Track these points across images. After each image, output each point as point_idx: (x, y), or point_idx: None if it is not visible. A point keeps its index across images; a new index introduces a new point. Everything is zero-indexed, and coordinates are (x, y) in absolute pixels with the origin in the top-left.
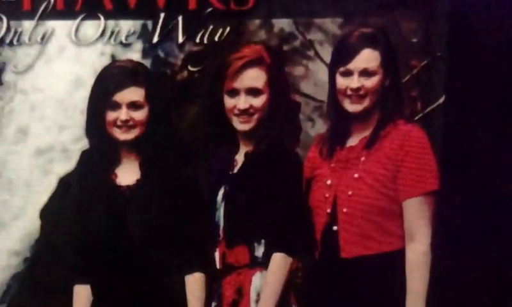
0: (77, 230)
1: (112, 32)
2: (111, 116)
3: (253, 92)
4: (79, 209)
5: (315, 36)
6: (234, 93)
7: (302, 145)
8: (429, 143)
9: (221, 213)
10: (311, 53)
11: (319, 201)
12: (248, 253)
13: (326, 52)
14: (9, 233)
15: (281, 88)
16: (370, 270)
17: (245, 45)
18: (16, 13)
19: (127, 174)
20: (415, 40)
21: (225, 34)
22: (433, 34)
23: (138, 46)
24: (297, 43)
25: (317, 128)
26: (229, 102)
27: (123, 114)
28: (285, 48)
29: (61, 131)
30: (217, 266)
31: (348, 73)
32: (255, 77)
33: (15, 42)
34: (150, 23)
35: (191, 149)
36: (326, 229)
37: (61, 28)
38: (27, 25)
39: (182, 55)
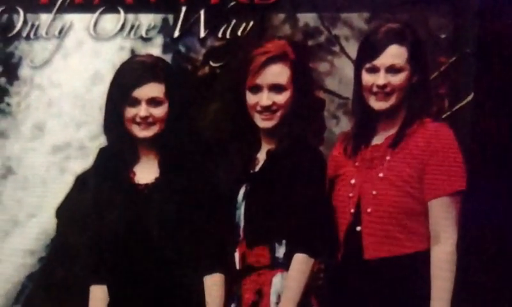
0: (94, 229)
1: (132, 26)
2: (130, 112)
3: (276, 88)
4: (96, 208)
5: (340, 31)
6: (257, 89)
7: (326, 143)
8: (456, 142)
9: (241, 212)
10: (336, 49)
11: (342, 200)
12: (268, 254)
13: (352, 48)
14: (25, 231)
15: (305, 85)
16: (394, 272)
17: (268, 40)
18: (33, 5)
19: (146, 172)
20: (443, 36)
21: (248, 28)
22: (462, 30)
23: (159, 40)
24: (322, 38)
25: (341, 126)
26: (251, 98)
27: (142, 110)
28: (310, 43)
29: (79, 128)
30: (237, 266)
31: (374, 70)
32: (278, 73)
33: (31, 36)
34: (171, 17)
35: (211, 147)
36: (349, 230)
37: (79, 22)
38: (45, 18)
39: (203, 51)
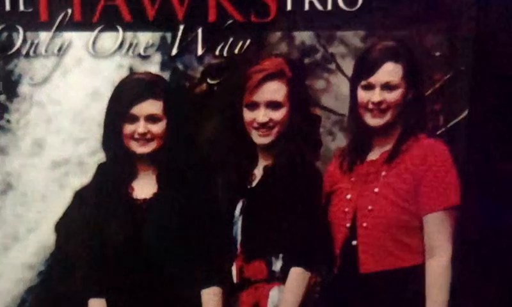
0: (92, 244)
1: (130, 44)
2: (128, 128)
3: (273, 105)
4: (95, 222)
5: (336, 49)
6: (254, 106)
7: (322, 159)
8: (451, 158)
9: (238, 227)
10: (332, 66)
11: (338, 215)
12: (265, 268)
13: (348, 66)
14: (24, 246)
15: (301, 102)
16: (389, 286)
17: (265, 57)
18: (32, 24)
19: (144, 187)
20: (438, 54)
21: (245, 46)
22: (457, 48)
23: (157, 58)
24: (318, 56)
25: (337, 142)
26: (248, 115)
27: (140, 127)
28: (306, 61)
29: (78, 144)
30: (234, 280)
31: (370, 87)
32: (275, 90)
33: (31, 53)
34: (169, 36)
35: (209, 163)
36: (345, 244)
37: (78, 40)
38: (44, 36)
39: (201, 68)
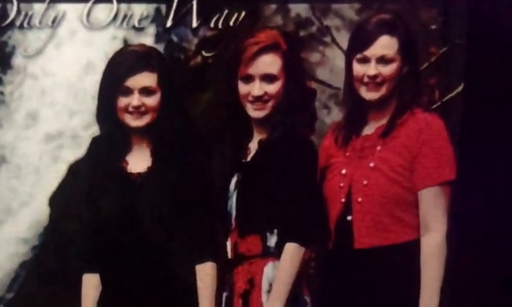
0: (86, 218)
1: (124, 16)
2: (122, 101)
3: (268, 78)
4: (89, 196)
5: (332, 21)
6: (249, 79)
7: (317, 133)
8: (446, 132)
9: (233, 201)
10: (328, 39)
11: (333, 190)
12: (260, 243)
13: (343, 39)
14: (18, 220)
15: (296, 75)
16: (384, 261)
17: (260, 30)
18: None
19: (138, 161)
20: (433, 27)
21: (240, 19)
22: (452, 22)
23: (151, 30)
24: (313, 28)
25: (332, 116)
26: (243, 88)
27: (135, 99)
28: (302, 34)
29: (72, 117)
30: (229, 256)
31: (365, 60)
32: (270, 63)
33: (25, 25)
34: (163, 7)
35: (203, 137)
36: (340, 219)
37: (72, 11)
38: (38, 8)
39: (195, 40)
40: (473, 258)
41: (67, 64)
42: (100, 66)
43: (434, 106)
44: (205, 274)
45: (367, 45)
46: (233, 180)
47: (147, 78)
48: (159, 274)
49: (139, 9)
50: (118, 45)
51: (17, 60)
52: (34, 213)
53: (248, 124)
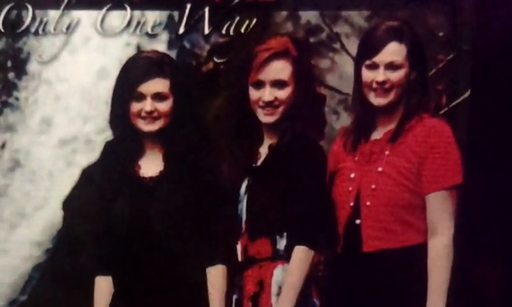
0: (99, 221)
1: (138, 23)
2: (135, 107)
3: (278, 84)
4: (102, 200)
5: (341, 28)
6: (259, 84)
7: (326, 138)
8: (453, 137)
9: (243, 205)
10: (337, 46)
11: (342, 194)
12: (269, 246)
13: (352, 45)
14: (32, 223)
15: (306, 81)
16: (392, 264)
17: (271, 36)
18: (41, 2)
19: (151, 165)
20: (441, 34)
21: (251, 25)
22: (460, 28)
23: (164, 37)
24: (323, 35)
25: (341, 121)
26: (254, 93)
27: (147, 105)
28: (312, 40)
29: (85, 122)
30: (239, 258)
31: (374, 67)
32: (280, 69)
33: (40, 32)
34: (176, 14)
35: (215, 141)
36: (348, 223)
37: (86, 18)
38: (53, 14)
39: (207, 47)
40: (478, 261)
41: (81, 70)
42: (114, 72)
43: (442, 111)
44: (216, 276)
45: (376, 52)
46: (244, 184)
47: (160, 84)
48: (170, 276)
49: (152, 16)
50: (131, 52)
51: (32, 66)
52: (48, 216)
53: (258, 129)
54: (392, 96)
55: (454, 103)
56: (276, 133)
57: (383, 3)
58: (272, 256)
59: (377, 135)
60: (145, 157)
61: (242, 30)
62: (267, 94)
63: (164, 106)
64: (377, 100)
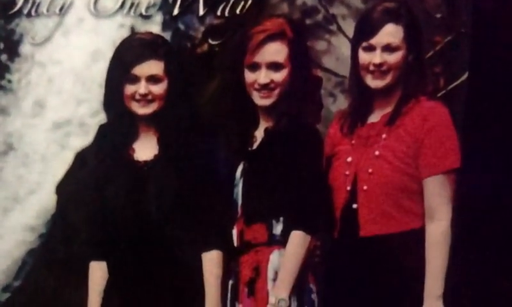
0: (93, 206)
1: (132, 4)
2: (129, 89)
3: (274, 66)
4: (96, 184)
5: (338, 10)
6: (255, 67)
7: (323, 121)
8: (451, 120)
9: (239, 189)
10: (333, 27)
11: (339, 178)
12: (265, 231)
13: (349, 27)
14: (25, 208)
15: (302, 63)
16: (389, 249)
17: (267, 18)
18: None
19: (145, 149)
20: (438, 16)
21: (247, 7)
22: (457, 10)
23: (158, 18)
24: (319, 17)
25: (338, 104)
26: (249, 76)
27: (142, 87)
28: (308, 22)
29: (79, 104)
30: (235, 243)
31: (371, 49)
32: (276, 51)
33: (32, 13)
34: None
35: (210, 124)
36: (345, 207)
37: None
38: None
39: (202, 28)
40: (476, 245)
41: (74, 52)
42: (107, 54)
43: (439, 94)
44: (211, 261)
45: (373, 34)
46: (240, 168)
47: (154, 67)
48: (164, 261)
49: None
50: (125, 33)
51: (25, 48)
52: (41, 200)
53: (254, 112)
54: (389, 78)
55: (451, 86)
56: (272, 116)
57: None
58: (268, 241)
59: (374, 118)
60: (139, 140)
61: (238, 11)
62: (263, 76)
63: (159, 89)
64: (374, 83)
